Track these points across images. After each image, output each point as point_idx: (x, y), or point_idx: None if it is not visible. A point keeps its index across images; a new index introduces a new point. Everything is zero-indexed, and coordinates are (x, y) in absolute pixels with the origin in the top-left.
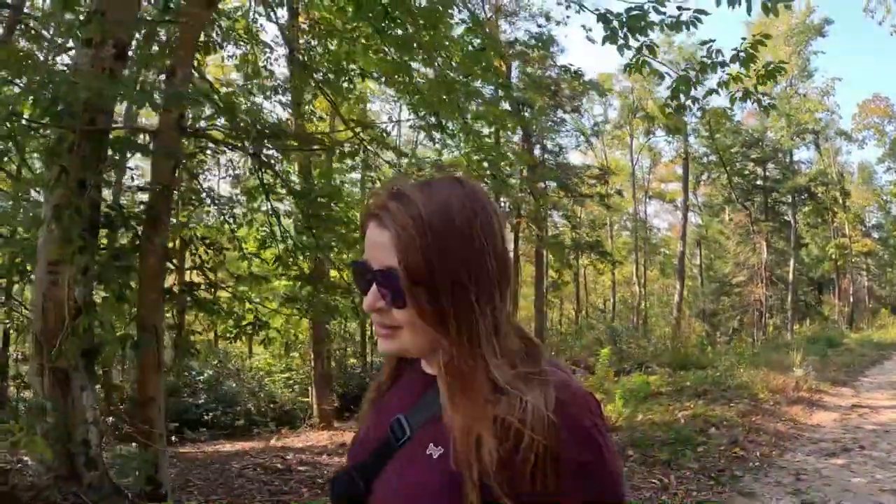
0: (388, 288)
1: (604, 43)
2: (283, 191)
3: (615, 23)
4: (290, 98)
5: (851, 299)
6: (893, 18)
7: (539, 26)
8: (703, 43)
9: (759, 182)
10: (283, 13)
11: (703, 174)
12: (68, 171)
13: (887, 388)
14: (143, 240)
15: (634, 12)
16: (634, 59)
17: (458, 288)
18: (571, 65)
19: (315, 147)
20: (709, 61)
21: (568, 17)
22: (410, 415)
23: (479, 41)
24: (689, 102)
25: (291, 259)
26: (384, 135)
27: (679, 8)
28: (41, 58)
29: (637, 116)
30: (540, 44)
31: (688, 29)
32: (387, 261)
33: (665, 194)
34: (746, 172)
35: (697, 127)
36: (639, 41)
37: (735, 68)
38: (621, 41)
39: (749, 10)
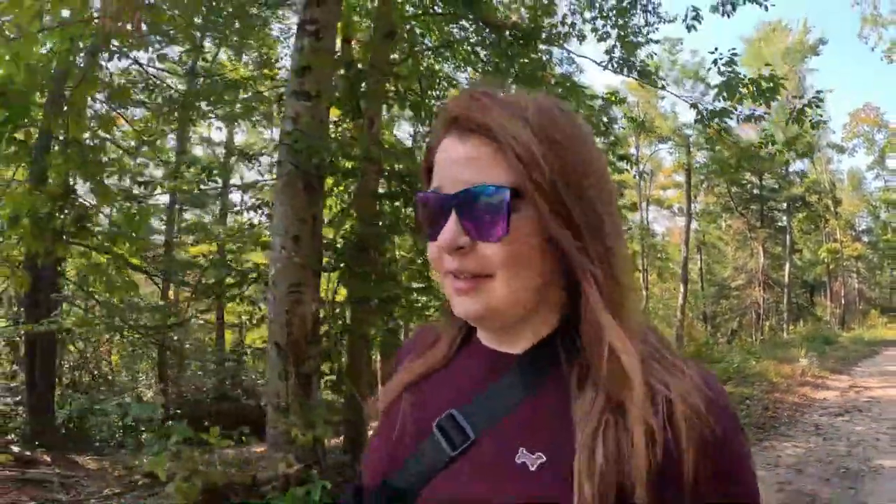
0: (485, 211)
1: (694, 123)
2: None
3: (704, 113)
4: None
5: (843, 301)
6: (885, 44)
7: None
8: (763, 130)
9: (756, 191)
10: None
11: (702, 183)
12: (307, 207)
13: (877, 375)
14: (356, 264)
15: (720, 109)
16: (714, 135)
17: (585, 203)
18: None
19: None
20: (764, 141)
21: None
22: (471, 409)
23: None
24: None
25: None
26: None
27: (752, 111)
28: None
29: (645, 131)
30: (615, 98)
31: (756, 122)
32: (483, 178)
33: (663, 201)
34: (744, 182)
35: (699, 139)
36: (718, 125)
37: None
38: (706, 122)
39: (801, 124)
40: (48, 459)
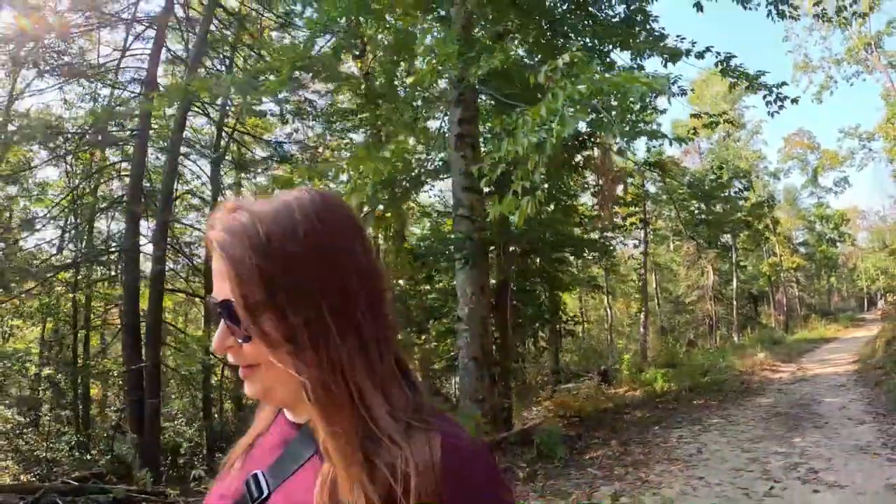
0: (232, 321)
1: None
2: None
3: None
4: None
5: (786, 308)
6: (815, 88)
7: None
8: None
9: (702, 216)
10: None
11: (654, 210)
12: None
13: (817, 362)
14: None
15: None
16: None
17: (307, 308)
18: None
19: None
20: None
21: None
22: (271, 470)
23: None
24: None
25: None
26: None
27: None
28: None
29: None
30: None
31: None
32: (225, 290)
33: (618, 225)
34: (692, 209)
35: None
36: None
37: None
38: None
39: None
40: (176, 491)
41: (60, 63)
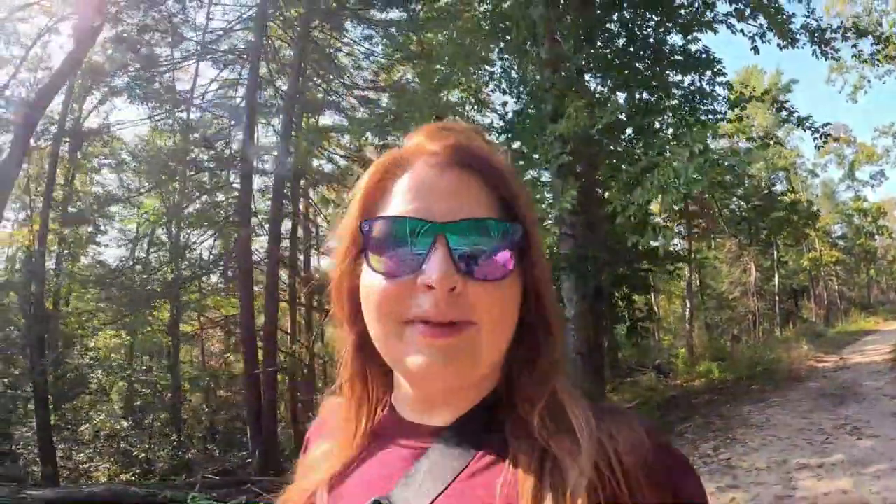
0: (486, 247)
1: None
2: None
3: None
4: None
5: (826, 302)
6: (849, 88)
7: None
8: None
9: (744, 214)
10: None
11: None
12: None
13: (858, 353)
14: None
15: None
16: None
17: (543, 261)
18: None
19: None
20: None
21: None
22: (398, 495)
23: None
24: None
25: None
26: None
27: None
28: None
29: None
30: None
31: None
32: (480, 211)
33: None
34: (732, 206)
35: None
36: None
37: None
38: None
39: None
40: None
41: (151, 92)
